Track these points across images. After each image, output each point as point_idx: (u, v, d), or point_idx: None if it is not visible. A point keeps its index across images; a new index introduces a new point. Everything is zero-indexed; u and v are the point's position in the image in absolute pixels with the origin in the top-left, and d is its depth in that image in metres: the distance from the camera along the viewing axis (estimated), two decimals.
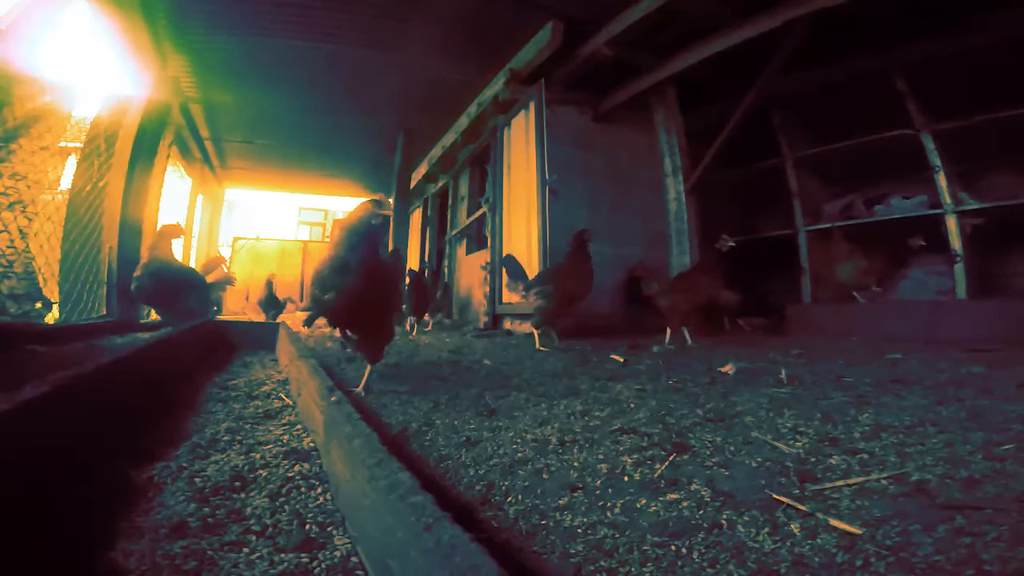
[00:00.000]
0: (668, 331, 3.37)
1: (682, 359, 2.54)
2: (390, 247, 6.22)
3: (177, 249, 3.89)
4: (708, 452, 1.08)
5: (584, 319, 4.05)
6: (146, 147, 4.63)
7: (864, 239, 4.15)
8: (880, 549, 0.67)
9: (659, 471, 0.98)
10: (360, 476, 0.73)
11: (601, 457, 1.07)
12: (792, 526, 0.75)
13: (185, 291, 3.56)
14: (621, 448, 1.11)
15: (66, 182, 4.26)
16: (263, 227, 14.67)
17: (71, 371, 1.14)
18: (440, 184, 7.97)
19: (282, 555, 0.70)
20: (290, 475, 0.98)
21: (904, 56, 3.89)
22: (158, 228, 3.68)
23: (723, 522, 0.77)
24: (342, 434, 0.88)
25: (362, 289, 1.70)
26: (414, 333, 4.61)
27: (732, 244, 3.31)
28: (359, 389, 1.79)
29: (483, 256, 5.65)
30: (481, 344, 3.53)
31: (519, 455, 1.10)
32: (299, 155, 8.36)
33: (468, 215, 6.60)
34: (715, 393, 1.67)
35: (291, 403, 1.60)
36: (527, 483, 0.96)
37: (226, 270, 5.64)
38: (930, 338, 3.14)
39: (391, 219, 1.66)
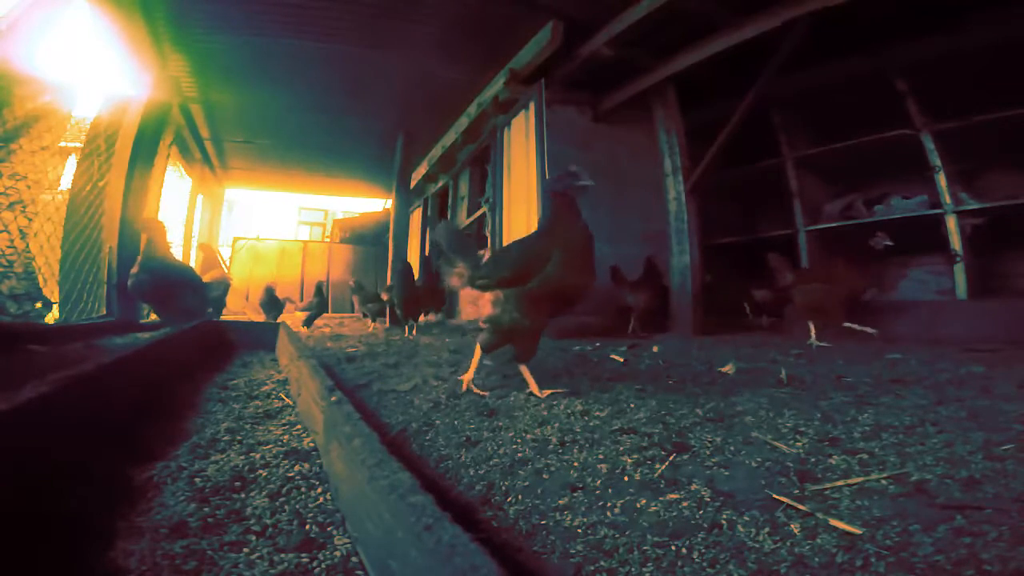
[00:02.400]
0: (812, 328, 3.10)
1: (682, 359, 2.54)
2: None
3: (176, 248, 3.87)
4: (708, 452, 1.08)
5: (584, 319, 4.06)
6: (146, 147, 4.63)
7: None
8: (880, 549, 0.67)
9: (659, 471, 0.98)
10: (360, 476, 0.73)
11: (601, 457, 1.06)
12: (792, 526, 0.75)
13: (183, 290, 3.53)
14: (621, 448, 1.11)
15: (66, 182, 4.26)
16: (263, 227, 14.68)
17: (71, 371, 1.14)
18: (440, 184, 7.97)
19: (282, 555, 0.70)
20: (290, 475, 0.98)
21: (904, 56, 3.89)
22: (146, 223, 3.51)
23: (723, 522, 0.77)
24: (342, 434, 0.88)
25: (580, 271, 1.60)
26: (413, 333, 4.61)
27: (889, 244, 2.98)
28: (543, 394, 1.67)
29: (483, 256, 5.64)
30: None
31: (519, 455, 1.10)
32: (299, 155, 8.36)
33: (468, 215, 6.60)
34: (715, 393, 1.67)
35: (291, 403, 1.60)
36: (527, 483, 0.96)
37: (224, 269, 5.63)
38: (930, 338, 3.14)
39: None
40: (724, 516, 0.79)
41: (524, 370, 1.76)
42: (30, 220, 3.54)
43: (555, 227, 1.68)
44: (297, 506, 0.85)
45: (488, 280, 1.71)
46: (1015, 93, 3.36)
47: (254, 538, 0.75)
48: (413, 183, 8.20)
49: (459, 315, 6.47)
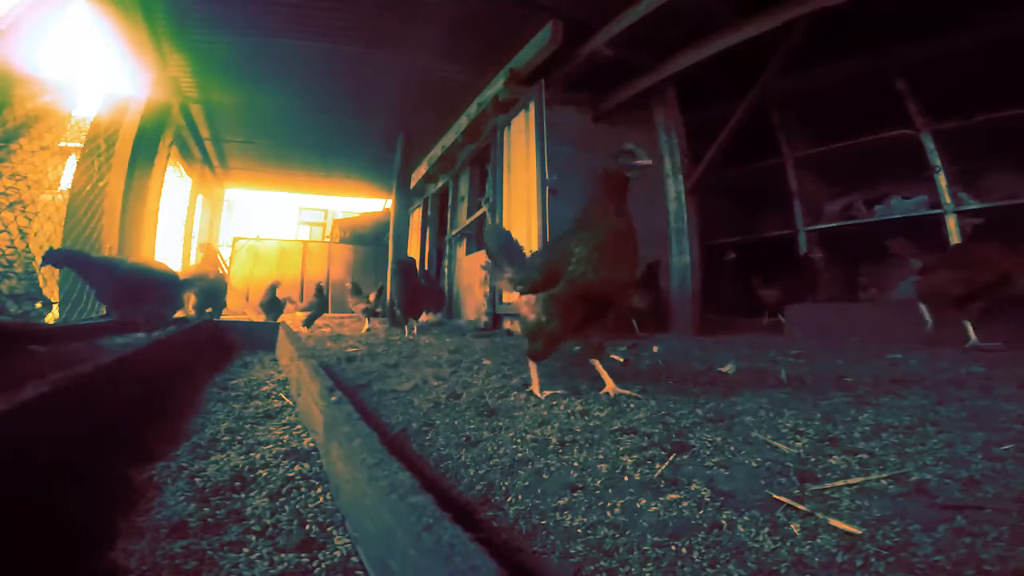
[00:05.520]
0: (969, 328, 2.56)
1: (682, 359, 2.54)
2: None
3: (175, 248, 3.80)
4: (708, 452, 1.08)
5: None
6: (146, 147, 4.64)
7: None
8: (880, 549, 0.67)
9: (659, 471, 0.98)
10: (360, 476, 0.73)
11: (601, 457, 1.06)
12: (792, 526, 0.74)
13: (153, 291, 3.00)
14: (621, 448, 1.11)
15: (66, 182, 4.26)
16: (263, 227, 14.68)
17: (71, 371, 1.14)
18: (440, 184, 7.96)
19: (282, 555, 0.70)
20: (290, 475, 0.98)
21: (904, 56, 3.89)
22: None
23: (723, 522, 0.77)
24: (342, 434, 0.88)
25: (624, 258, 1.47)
26: (414, 332, 4.61)
27: None
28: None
29: (483, 256, 5.63)
30: (481, 344, 3.53)
31: (519, 455, 1.10)
32: (299, 155, 8.36)
33: (468, 215, 6.59)
34: (715, 393, 1.67)
35: (291, 403, 1.60)
36: (527, 483, 0.96)
37: (223, 270, 5.59)
38: (930, 338, 3.14)
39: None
40: (724, 516, 0.79)
41: (532, 367, 1.69)
42: (30, 220, 3.54)
43: (585, 218, 1.56)
44: (297, 506, 0.85)
45: (523, 286, 1.64)
46: (1015, 93, 3.36)
47: (254, 538, 0.75)
48: (413, 183, 8.20)
49: (462, 315, 6.47)
